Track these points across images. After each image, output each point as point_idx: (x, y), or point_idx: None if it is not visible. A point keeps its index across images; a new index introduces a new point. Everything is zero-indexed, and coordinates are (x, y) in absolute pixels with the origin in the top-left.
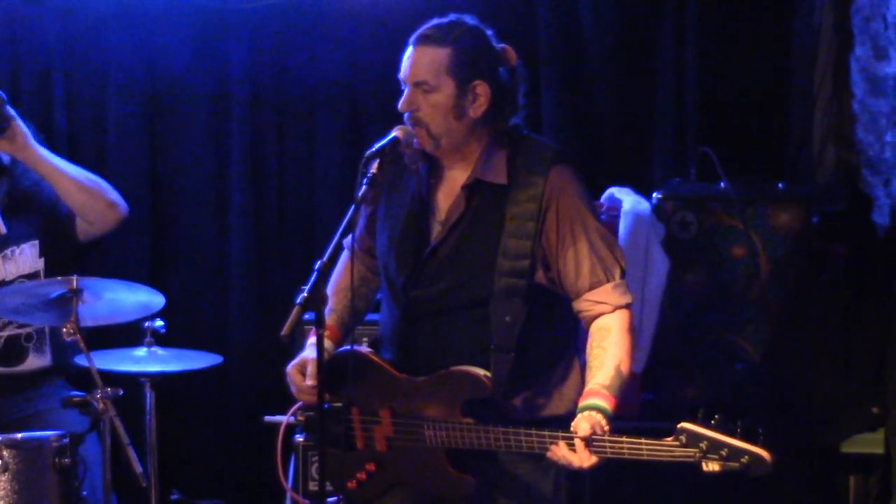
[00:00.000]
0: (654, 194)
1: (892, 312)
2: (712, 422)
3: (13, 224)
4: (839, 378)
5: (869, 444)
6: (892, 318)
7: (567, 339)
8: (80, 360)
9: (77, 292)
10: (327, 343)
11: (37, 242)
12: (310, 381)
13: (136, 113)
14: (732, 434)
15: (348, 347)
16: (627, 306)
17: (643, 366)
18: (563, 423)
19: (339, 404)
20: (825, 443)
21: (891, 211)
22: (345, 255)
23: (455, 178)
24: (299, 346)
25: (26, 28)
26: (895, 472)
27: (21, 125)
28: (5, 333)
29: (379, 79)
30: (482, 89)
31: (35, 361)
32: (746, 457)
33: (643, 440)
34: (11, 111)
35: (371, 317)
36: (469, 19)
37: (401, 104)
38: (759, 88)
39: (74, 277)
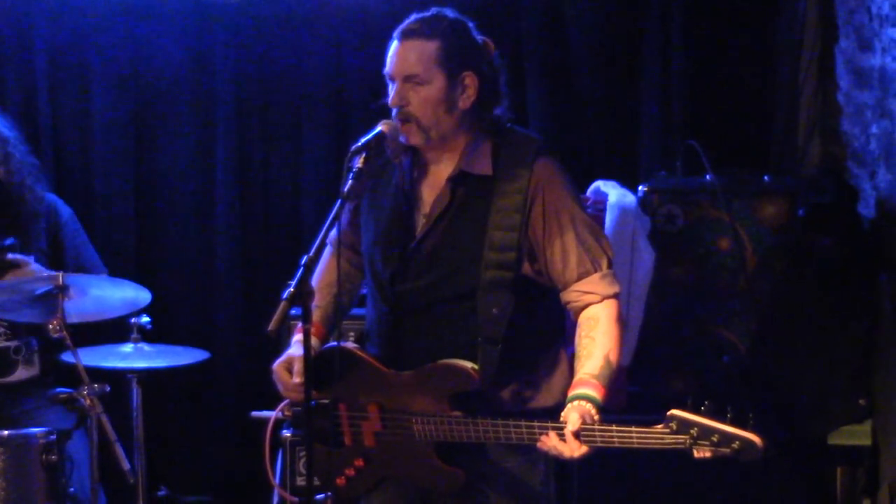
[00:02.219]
0: (640, 187)
1: (878, 304)
2: (702, 408)
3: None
4: (826, 370)
5: (856, 435)
6: (879, 309)
7: (554, 331)
8: (67, 357)
9: (63, 289)
10: (312, 340)
11: (31, 258)
12: (296, 379)
13: (121, 111)
14: (722, 420)
15: (334, 344)
16: (615, 296)
17: (630, 359)
18: (551, 414)
19: (327, 401)
20: (812, 434)
21: (877, 203)
22: (327, 252)
23: (439, 171)
24: (286, 342)
25: (11, 24)
26: (882, 464)
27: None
28: None
29: (364, 76)
30: (470, 80)
31: (24, 372)
32: (737, 442)
33: (633, 428)
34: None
35: (358, 311)
36: (450, 12)
37: (391, 99)
38: (744, 81)
39: (60, 274)
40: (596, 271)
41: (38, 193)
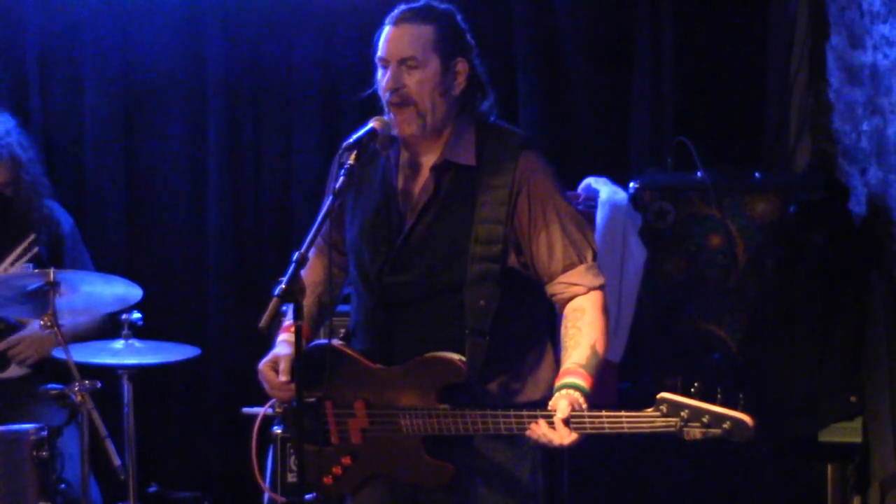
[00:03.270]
0: (631, 184)
1: (868, 301)
2: (692, 390)
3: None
4: (817, 367)
5: (847, 432)
6: (869, 306)
7: (540, 324)
8: (58, 353)
9: (54, 285)
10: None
11: (30, 266)
12: (283, 378)
13: (113, 105)
14: (713, 401)
15: (323, 341)
16: (601, 287)
17: (621, 355)
18: (538, 407)
19: (313, 399)
20: (803, 432)
21: (867, 200)
22: (311, 252)
23: (426, 163)
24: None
25: (1, 19)
26: (873, 461)
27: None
28: None
29: (355, 70)
30: (462, 67)
31: (17, 369)
32: (728, 422)
33: (623, 413)
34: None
35: (344, 308)
36: (438, 3)
37: (386, 83)
38: (735, 77)
39: (51, 270)
40: (581, 263)
41: (43, 213)
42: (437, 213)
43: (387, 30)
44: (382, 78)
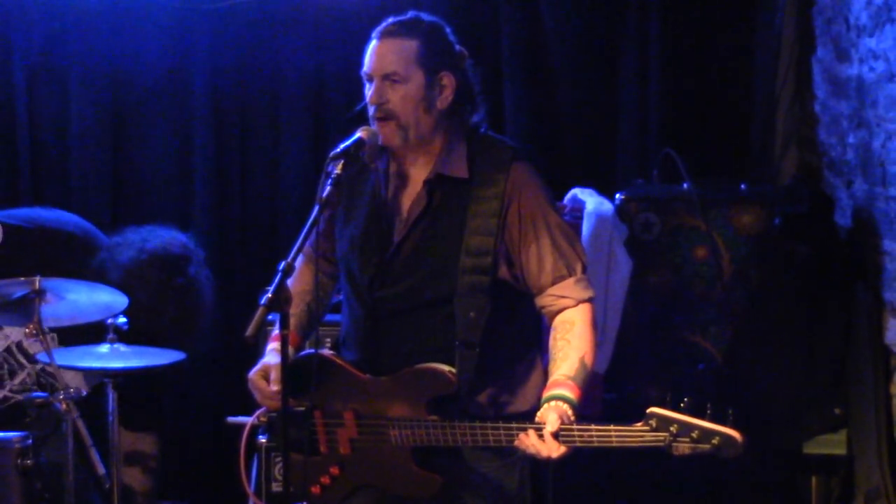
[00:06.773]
0: (617, 195)
1: (853, 313)
2: (681, 405)
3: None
4: (801, 379)
5: (831, 444)
6: (854, 318)
7: (530, 336)
8: (42, 358)
9: (40, 293)
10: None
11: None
12: (274, 387)
13: (99, 112)
14: (702, 416)
15: (311, 351)
16: (590, 300)
17: (606, 367)
18: (527, 419)
19: (302, 408)
20: (787, 444)
21: (853, 212)
22: (300, 260)
23: (416, 175)
24: (263, 348)
25: None
26: (857, 473)
27: None
28: None
29: (342, 78)
30: (448, 81)
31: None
32: (717, 438)
33: (612, 427)
34: None
35: (333, 317)
36: (426, 16)
37: (370, 97)
38: (721, 90)
39: (37, 278)
40: (571, 276)
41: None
42: (428, 225)
43: (373, 44)
44: (368, 91)
